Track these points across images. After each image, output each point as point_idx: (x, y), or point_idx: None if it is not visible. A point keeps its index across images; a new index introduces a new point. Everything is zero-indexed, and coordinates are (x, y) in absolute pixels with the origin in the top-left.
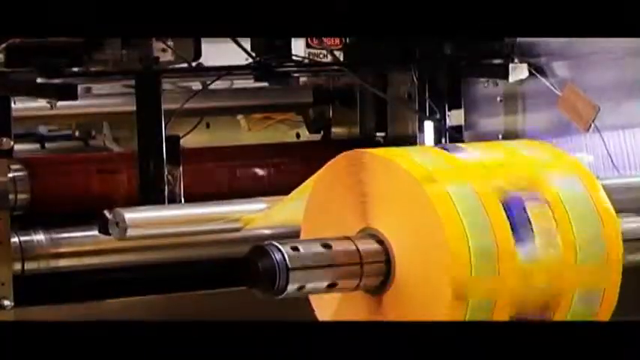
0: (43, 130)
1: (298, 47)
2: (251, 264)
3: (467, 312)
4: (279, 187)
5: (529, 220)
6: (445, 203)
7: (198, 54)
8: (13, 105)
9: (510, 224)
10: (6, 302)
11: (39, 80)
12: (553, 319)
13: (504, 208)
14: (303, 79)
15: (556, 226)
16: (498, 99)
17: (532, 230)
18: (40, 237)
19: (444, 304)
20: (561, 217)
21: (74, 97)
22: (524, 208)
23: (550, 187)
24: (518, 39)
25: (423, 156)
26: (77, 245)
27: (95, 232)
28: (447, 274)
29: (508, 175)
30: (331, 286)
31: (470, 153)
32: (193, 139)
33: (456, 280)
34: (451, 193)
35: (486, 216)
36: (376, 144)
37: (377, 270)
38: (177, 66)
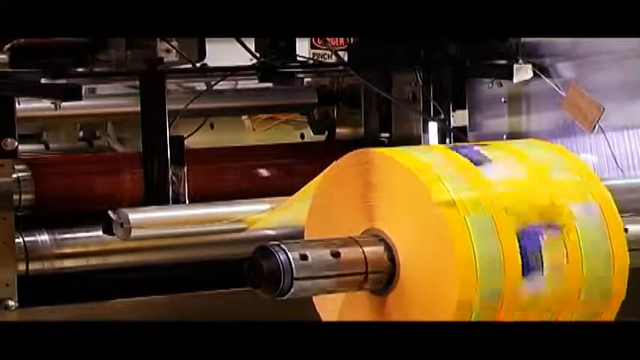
0: None
1: (303, 48)
2: (255, 265)
3: (472, 313)
4: (284, 187)
5: (540, 250)
6: (451, 207)
7: (202, 54)
8: (17, 105)
9: (520, 249)
10: (10, 303)
11: (43, 81)
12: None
13: (518, 239)
14: (307, 80)
15: (566, 262)
16: (503, 99)
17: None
18: (44, 237)
19: (449, 306)
20: (574, 252)
21: (78, 98)
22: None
23: (570, 219)
24: (523, 39)
25: (434, 158)
26: (81, 246)
27: (99, 233)
28: (452, 275)
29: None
30: (335, 287)
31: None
32: (198, 140)
33: (461, 281)
34: (456, 200)
35: (494, 225)
36: (380, 144)
37: (381, 270)
38: (181, 66)
